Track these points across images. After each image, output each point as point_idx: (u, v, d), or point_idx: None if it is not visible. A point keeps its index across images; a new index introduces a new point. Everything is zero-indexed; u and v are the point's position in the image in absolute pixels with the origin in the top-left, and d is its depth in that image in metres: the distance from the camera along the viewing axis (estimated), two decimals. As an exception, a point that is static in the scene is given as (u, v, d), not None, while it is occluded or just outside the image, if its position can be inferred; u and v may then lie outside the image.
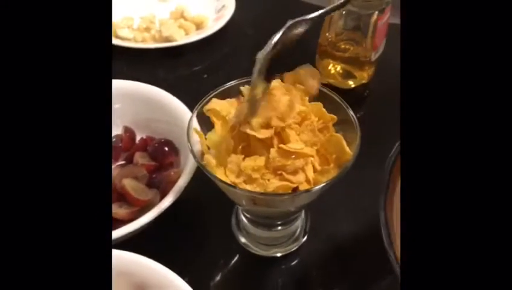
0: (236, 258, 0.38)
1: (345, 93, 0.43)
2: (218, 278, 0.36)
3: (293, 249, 0.37)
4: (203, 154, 0.32)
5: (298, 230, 0.38)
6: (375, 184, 0.39)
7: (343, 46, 0.50)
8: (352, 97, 0.47)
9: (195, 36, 0.58)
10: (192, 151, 0.31)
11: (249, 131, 0.29)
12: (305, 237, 0.38)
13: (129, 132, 0.44)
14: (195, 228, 0.39)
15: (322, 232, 0.39)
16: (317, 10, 0.30)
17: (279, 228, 0.36)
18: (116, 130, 0.45)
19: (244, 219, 0.37)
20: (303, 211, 0.38)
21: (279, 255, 0.37)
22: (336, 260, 0.38)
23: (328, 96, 0.33)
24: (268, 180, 0.29)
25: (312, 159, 0.30)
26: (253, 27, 0.64)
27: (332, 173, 0.29)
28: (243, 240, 0.38)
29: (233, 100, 0.33)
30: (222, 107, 0.32)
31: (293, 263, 0.37)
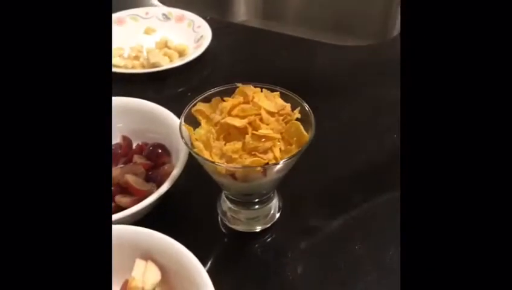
0: (222, 235, 0.45)
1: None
2: (208, 251, 0.44)
3: (270, 225, 0.45)
4: (192, 145, 0.40)
5: (272, 209, 0.46)
6: (335, 172, 0.48)
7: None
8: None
9: (178, 62, 0.67)
10: (185, 142, 0.39)
11: (229, 120, 0.37)
12: (279, 214, 0.46)
13: (126, 140, 0.52)
14: (187, 212, 0.47)
15: (292, 211, 0.47)
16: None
17: (257, 206, 0.44)
18: (115, 140, 0.52)
19: (227, 201, 0.45)
20: (276, 194, 0.46)
21: (258, 229, 0.45)
22: (304, 233, 0.46)
23: (289, 96, 0.42)
24: (245, 159, 0.37)
25: (278, 142, 0.38)
26: (227, 54, 0.74)
27: (294, 151, 0.38)
28: (226, 219, 0.45)
29: (215, 101, 0.41)
30: (206, 108, 0.41)
31: (270, 236, 0.45)
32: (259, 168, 0.36)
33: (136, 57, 0.69)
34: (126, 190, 0.45)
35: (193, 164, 0.42)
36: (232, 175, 0.38)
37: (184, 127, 0.40)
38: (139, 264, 0.37)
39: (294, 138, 0.39)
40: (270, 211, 0.46)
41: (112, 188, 0.45)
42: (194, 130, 0.41)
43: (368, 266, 0.42)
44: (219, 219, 0.46)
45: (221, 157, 0.38)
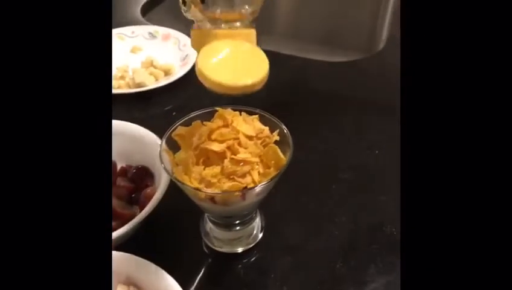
0: (205, 256, 0.46)
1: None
2: (190, 273, 0.44)
3: (252, 245, 0.46)
4: (172, 169, 0.40)
5: (255, 230, 0.46)
6: (316, 191, 0.49)
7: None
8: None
9: (163, 81, 0.68)
10: (164, 167, 0.39)
11: (207, 145, 0.38)
12: (261, 234, 0.46)
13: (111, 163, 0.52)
14: (170, 234, 0.47)
15: (275, 230, 0.48)
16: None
17: (238, 228, 0.45)
18: (100, 162, 0.53)
19: (210, 223, 0.45)
20: (258, 215, 0.47)
21: (240, 250, 0.45)
22: (287, 252, 0.46)
23: (267, 118, 0.42)
24: (224, 183, 0.37)
25: (257, 166, 0.39)
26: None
27: (272, 174, 0.38)
28: (209, 240, 0.46)
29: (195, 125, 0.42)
30: (186, 132, 0.42)
31: (253, 256, 0.46)
32: (237, 193, 0.37)
33: (122, 77, 0.70)
34: (109, 213, 0.45)
35: (176, 186, 0.43)
36: (212, 199, 0.38)
37: (164, 153, 0.40)
38: (121, 290, 0.38)
39: (272, 161, 0.39)
40: (253, 232, 0.46)
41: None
42: (174, 154, 0.42)
43: (350, 285, 0.43)
44: (202, 241, 0.47)
45: (200, 181, 0.38)
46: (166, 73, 0.71)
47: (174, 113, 0.65)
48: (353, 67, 0.77)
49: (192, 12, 0.36)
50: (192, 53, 0.73)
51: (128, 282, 0.39)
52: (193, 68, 0.71)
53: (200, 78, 0.35)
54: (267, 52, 0.37)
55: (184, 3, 0.37)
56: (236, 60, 0.36)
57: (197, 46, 0.38)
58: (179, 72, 0.70)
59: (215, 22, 0.37)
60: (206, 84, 0.35)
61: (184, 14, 0.37)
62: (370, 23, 1.05)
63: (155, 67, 0.72)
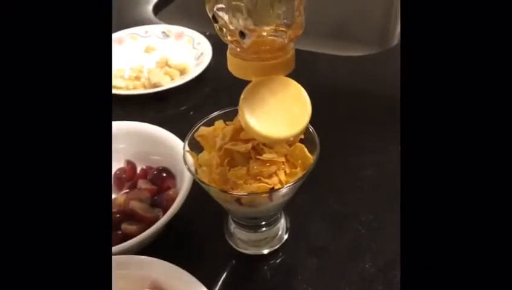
0: (230, 258, 0.45)
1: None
2: (216, 276, 0.43)
3: (277, 246, 0.45)
4: (196, 171, 0.40)
5: (280, 231, 0.45)
6: (340, 189, 0.48)
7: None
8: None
9: (179, 81, 0.67)
10: (189, 169, 0.38)
11: (232, 146, 0.37)
12: (287, 235, 0.45)
13: (131, 164, 0.52)
14: (193, 236, 0.47)
15: (300, 231, 0.47)
16: None
17: (264, 229, 0.44)
18: (119, 164, 0.52)
19: (234, 224, 0.44)
20: (283, 215, 0.46)
21: (266, 252, 0.44)
22: (313, 253, 0.45)
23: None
24: (250, 184, 0.37)
25: (283, 166, 0.38)
26: (228, 70, 0.74)
27: (299, 174, 0.37)
28: (233, 242, 0.45)
29: (217, 125, 0.41)
30: (209, 133, 0.41)
31: (279, 258, 0.45)
32: (264, 194, 0.36)
33: (137, 78, 0.69)
34: (132, 217, 0.45)
35: (198, 187, 0.42)
36: (238, 201, 0.38)
37: (188, 154, 0.40)
38: (148, 295, 0.37)
39: (299, 161, 0.38)
40: (278, 233, 0.45)
41: (117, 215, 0.45)
42: (197, 155, 0.41)
43: (379, 285, 0.42)
44: (226, 242, 0.46)
45: (225, 183, 0.37)
46: (182, 72, 0.71)
47: (191, 113, 0.65)
48: (366, 61, 0.75)
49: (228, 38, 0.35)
50: (207, 52, 0.72)
51: (154, 286, 0.38)
52: (208, 66, 0.70)
53: (246, 128, 0.35)
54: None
55: (217, 24, 0.34)
56: (280, 109, 0.35)
57: (234, 71, 0.37)
58: (194, 71, 0.69)
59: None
60: (250, 133, 0.35)
61: (219, 35, 0.35)
62: (383, 18, 1.03)
63: (170, 66, 0.71)
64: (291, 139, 0.37)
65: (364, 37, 1.06)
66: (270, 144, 0.37)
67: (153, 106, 0.66)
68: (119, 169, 0.52)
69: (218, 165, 0.38)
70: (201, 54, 0.73)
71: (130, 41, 0.78)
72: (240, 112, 0.35)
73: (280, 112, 0.34)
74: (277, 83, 0.35)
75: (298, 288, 0.42)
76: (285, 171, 0.38)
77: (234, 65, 0.36)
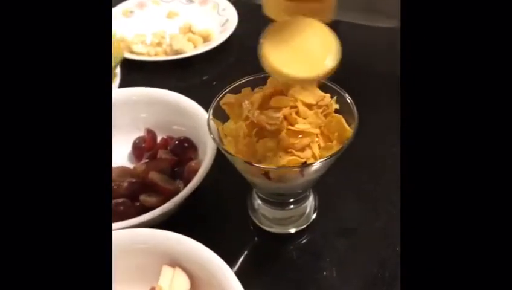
0: (253, 236, 0.42)
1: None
2: (238, 254, 0.41)
3: (304, 226, 0.42)
4: (221, 141, 0.36)
5: (308, 209, 0.42)
6: (374, 168, 0.44)
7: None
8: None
9: (202, 48, 0.64)
10: (213, 138, 0.35)
11: (260, 117, 0.34)
12: (315, 215, 0.42)
13: (151, 134, 0.49)
14: (215, 211, 0.44)
15: (329, 211, 0.43)
16: None
17: (291, 206, 0.41)
18: (139, 133, 0.49)
19: (258, 200, 0.42)
20: (312, 193, 0.43)
21: (292, 231, 0.41)
22: (342, 234, 0.42)
23: (328, 86, 0.37)
24: (280, 157, 0.33)
25: (317, 138, 0.34)
26: (255, 39, 0.69)
27: (335, 148, 0.34)
28: (257, 219, 0.42)
29: (245, 92, 0.38)
30: (236, 100, 0.37)
31: (305, 238, 0.42)
32: (296, 169, 0.33)
33: (159, 44, 0.66)
34: (151, 188, 0.42)
35: (222, 159, 0.39)
36: (266, 175, 0.34)
37: (212, 122, 0.36)
38: (167, 271, 0.35)
39: (335, 133, 0.35)
40: (306, 211, 0.42)
41: (136, 186, 0.42)
42: (222, 124, 0.38)
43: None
44: (249, 219, 0.43)
45: (253, 155, 0.34)
46: (205, 39, 0.67)
47: (214, 83, 0.61)
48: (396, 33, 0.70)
49: None
50: (233, 19, 0.68)
51: (174, 263, 0.36)
52: (233, 34, 0.67)
53: (263, 63, 0.32)
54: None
55: None
56: (303, 49, 0.32)
57: (267, 7, 0.34)
58: (218, 39, 0.65)
59: None
60: (269, 71, 0.32)
61: None
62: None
63: (193, 33, 0.67)
64: (315, 81, 0.34)
65: (395, 9, 1.00)
66: (292, 84, 0.34)
67: (175, 74, 0.63)
68: (139, 138, 0.49)
69: (245, 136, 0.35)
70: (227, 20, 0.69)
71: (151, 5, 0.75)
72: (259, 48, 0.32)
73: (303, 51, 0.31)
74: (304, 23, 0.32)
75: (325, 270, 0.40)
76: (319, 145, 0.34)
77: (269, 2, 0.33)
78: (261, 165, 0.33)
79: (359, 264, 0.40)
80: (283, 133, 0.34)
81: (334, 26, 0.33)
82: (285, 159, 0.33)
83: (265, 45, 0.31)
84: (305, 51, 0.31)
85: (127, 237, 0.35)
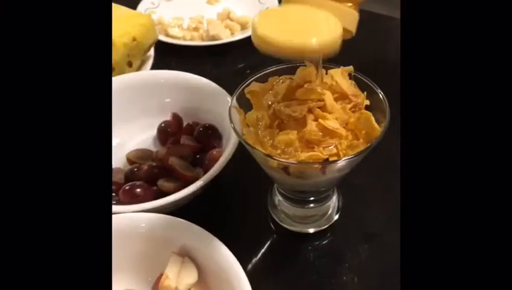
0: (270, 233, 0.40)
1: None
2: (253, 250, 0.39)
3: (325, 227, 0.40)
4: (242, 131, 0.35)
5: (330, 209, 0.40)
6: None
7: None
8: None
9: (239, 35, 0.62)
10: (233, 127, 0.34)
11: (283, 109, 0.32)
12: (337, 216, 0.40)
13: (177, 118, 0.48)
14: (233, 204, 0.42)
15: (353, 213, 0.41)
16: None
17: (312, 205, 0.39)
18: (165, 117, 0.49)
19: (279, 196, 0.40)
20: (335, 192, 0.40)
21: (311, 231, 0.39)
22: (365, 239, 0.39)
23: (359, 80, 0.35)
24: (301, 152, 0.31)
25: (343, 135, 0.32)
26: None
27: (361, 147, 0.31)
28: (276, 215, 0.40)
29: (271, 81, 0.36)
30: (261, 89, 0.36)
31: (325, 239, 0.40)
32: (317, 165, 0.31)
33: (196, 28, 0.65)
34: (170, 173, 0.41)
35: (244, 151, 0.37)
36: (285, 169, 0.32)
37: (234, 110, 0.35)
38: (175, 260, 0.34)
39: (363, 131, 0.32)
40: (328, 212, 0.40)
41: (155, 170, 0.42)
42: (246, 113, 0.36)
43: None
44: (268, 215, 0.41)
45: (274, 147, 0.32)
46: (243, 27, 0.65)
47: (248, 71, 0.59)
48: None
49: None
50: (273, 6, 0.66)
51: (183, 252, 0.35)
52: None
53: (253, 38, 0.30)
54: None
55: None
56: (301, 21, 0.31)
57: None
58: (256, 27, 0.63)
59: None
60: (257, 43, 0.30)
61: None
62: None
63: (231, 19, 0.66)
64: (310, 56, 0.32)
65: None
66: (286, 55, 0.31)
67: (209, 60, 0.62)
68: (165, 122, 0.48)
69: (266, 127, 0.33)
70: (267, 8, 0.67)
71: (193, -10, 0.74)
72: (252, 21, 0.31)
73: (299, 24, 0.30)
74: (308, 3, 0.30)
75: (343, 276, 0.37)
76: (345, 142, 0.32)
77: None
78: (280, 159, 0.31)
79: (379, 273, 0.37)
80: (309, 127, 0.31)
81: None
82: (306, 155, 0.31)
83: (259, 17, 0.30)
84: (299, 25, 0.30)
85: (136, 221, 0.34)
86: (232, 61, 0.62)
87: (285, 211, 0.40)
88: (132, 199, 0.38)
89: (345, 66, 0.36)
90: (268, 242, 0.40)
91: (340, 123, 0.32)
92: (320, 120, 0.31)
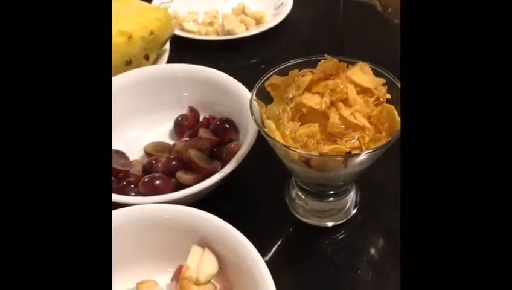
0: (288, 226, 0.41)
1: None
2: (270, 243, 0.39)
3: (343, 221, 0.40)
4: (263, 123, 0.35)
5: (348, 204, 0.40)
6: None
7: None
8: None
9: (254, 30, 0.62)
10: (255, 120, 0.34)
11: (305, 102, 0.32)
12: (355, 210, 0.40)
13: (194, 112, 0.48)
14: (251, 196, 0.43)
15: (371, 208, 0.41)
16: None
17: (331, 199, 0.39)
18: (182, 110, 0.49)
19: (297, 189, 0.40)
20: (354, 187, 0.40)
21: (330, 224, 0.39)
22: (382, 234, 0.39)
23: (381, 73, 0.35)
24: (323, 145, 0.31)
25: (365, 127, 0.32)
26: (308, 25, 0.67)
27: (384, 140, 0.31)
28: (294, 208, 0.40)
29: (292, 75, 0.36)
30: (282, 82, 0.36)
31: (342, 234, 0.40)
32: (339, 158, 0.31)
33: (211, 23, 0.65)
34: (188, 165, 0.41)
35: (262, 144, 0.37)
36: (307, 162, 0.33)
37: (255, 103, 0.35)
38: (196, 251, 0.34)
39: (385, 124, 0.32)
40: (346, 205, 0.40)
41: (173, 163, 0.42)
42: (266, 106, 0.36)
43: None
44: (286, 208, 0.41)
45: (294, 141, 0.32)
46: (258, 22, 0.65)
47: (263, 66, 0.60)
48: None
49: None
50: (288, 2, 0.66)
51: (204, 243, 0.35)
52: (287, 19, 0.65)
53: None
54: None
55: None
56: None
57: None
58: (270, 22, 0.63)
59: None
60: None
61: None
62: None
63: (246, 14, 0.66)
64: None
65: None
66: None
67: (224, 55, 0.62)
68: (181, 115, 0.48)
69: (288, 120, 0.33)
70: (281, 4, 0.67)
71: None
72: None
73: None
74: None
75: (360, 270, 0.37)
76: (367, 135, 0.32)
77: None
78: (301, 151, 0.31)
79: (395, 269, 0.37)
80: (332, 119, 0.32)
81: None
82: (328, 147, 0.31)
83: None
84: None
85: (158, 211, 0.34)
86: (246, 56, 0.62)
87: (302, 204, 0.40)
88: (152, 190, 0.39)
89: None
90: (286, 235, 0.40)
91: (363, 116, 0.32)
92: (344, 114, 0.31)
